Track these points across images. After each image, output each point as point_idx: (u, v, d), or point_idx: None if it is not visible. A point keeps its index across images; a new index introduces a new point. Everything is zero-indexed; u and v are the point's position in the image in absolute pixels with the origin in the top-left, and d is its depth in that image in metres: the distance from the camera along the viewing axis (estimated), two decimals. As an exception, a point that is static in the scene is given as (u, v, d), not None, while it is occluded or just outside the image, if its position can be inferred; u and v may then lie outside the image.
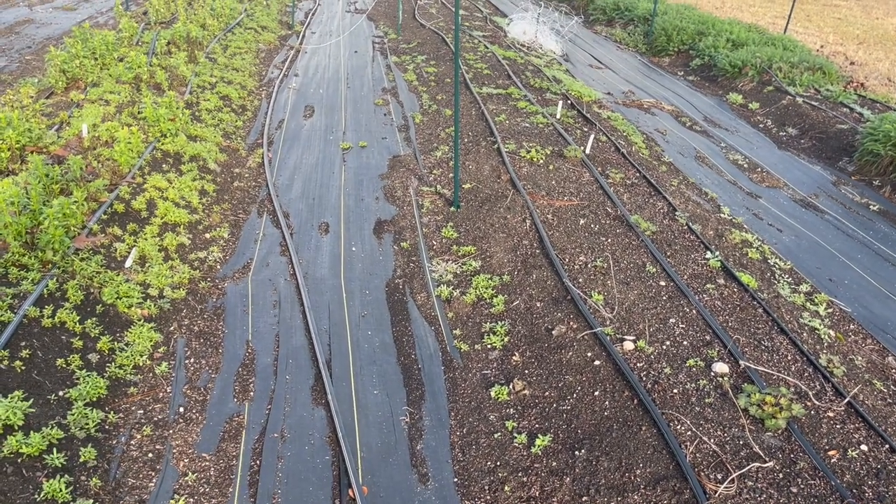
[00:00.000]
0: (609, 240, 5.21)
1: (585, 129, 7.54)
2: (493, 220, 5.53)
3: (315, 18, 12.40)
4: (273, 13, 11.89)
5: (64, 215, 4.20)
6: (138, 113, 6.33)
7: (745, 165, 7.41)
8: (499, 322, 4.35)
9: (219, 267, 4.82)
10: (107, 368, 3.59)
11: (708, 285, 4.71)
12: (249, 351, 4.04)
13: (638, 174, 6.47)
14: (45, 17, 10.35)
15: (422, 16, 12.84)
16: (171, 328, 4.07)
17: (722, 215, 5.99)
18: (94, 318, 3.81)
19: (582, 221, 5.46)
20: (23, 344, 3.44)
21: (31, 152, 5.31)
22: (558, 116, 7.77)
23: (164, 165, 5.68)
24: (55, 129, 5.94)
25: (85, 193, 4.58)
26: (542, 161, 6.49)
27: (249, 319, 4.30)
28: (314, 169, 6.49)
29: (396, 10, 12.43)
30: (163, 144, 5.88)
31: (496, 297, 4.58)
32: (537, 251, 5.05)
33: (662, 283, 4.68)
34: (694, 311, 4.36)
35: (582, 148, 6.82)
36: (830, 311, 4.67)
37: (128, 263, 4.35)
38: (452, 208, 5.80)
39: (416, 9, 13.30)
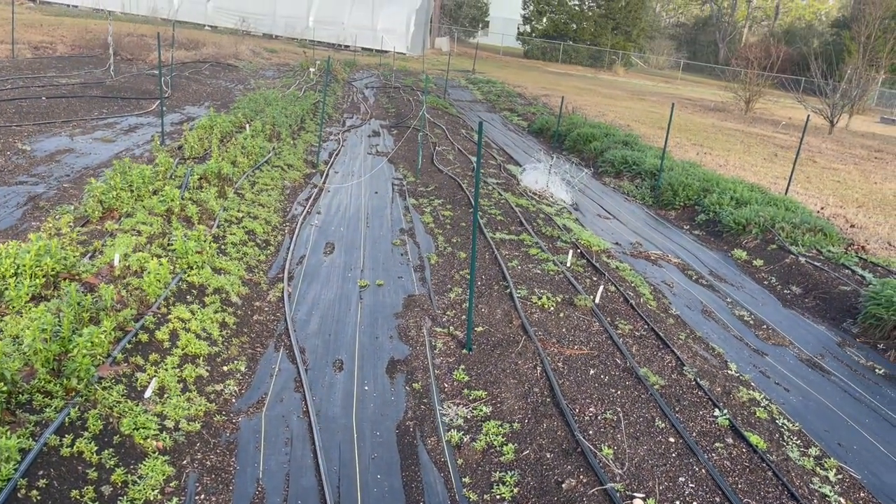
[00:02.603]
0: (619, 392, 5.28)
1: (595, 279, 7.79)
2: (504, 365, 5.64)
3: (338, 159, 13.07)
4: (299, 152, 12.56)
5: (92, 344, 4.34)
6: (168, 244, 6.62)
7: (751, 322, 7.57)
8: (508, 472, 4.36)
9: (234, 401, 4.89)
10: (118, 503, 3.60)
11: (717, 444, 4.74)
12: (259, 490, 4.04)
13: (646, 326, 6.62)
14: (85, 147, 10.96)
15: (440, 161, 13.52)
16: (184, 462, 4.10)
17: (729, 372, 6.08)
18: (110, 449, 3.86)
19: (592, 372, 5.56)
20: (41, 473, 3.49)
21: (65, 279, 5.54)
22: (569, 265, 8.05)
23: (188, 297, 5.89)
24: (88, 256, 6.21)
25: (114, 323, 4.75)
26: (552, 308, 6.67)
27: (261, 457, 4.33)
28: (331, 305, 6.69)
29: (416, 155, 13.11)
30: (189, 276, 6.12)
31: (506, 445, 4.61)
32: (548, 400, 5.12)
33: (672, 440, 4.71)
34: (703, 471, 4.37)
35: (592, 297, 7.03)
36: (840, 477, 4.66)
37: (147, 394, 4.45)
38: (465, 350, 5.92)
39: (434, 154, 14.02)
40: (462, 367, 5.66)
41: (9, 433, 3.61)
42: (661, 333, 6.44)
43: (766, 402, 5.59)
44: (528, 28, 57.51)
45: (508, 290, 7.05)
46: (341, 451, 4.49)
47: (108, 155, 10.72)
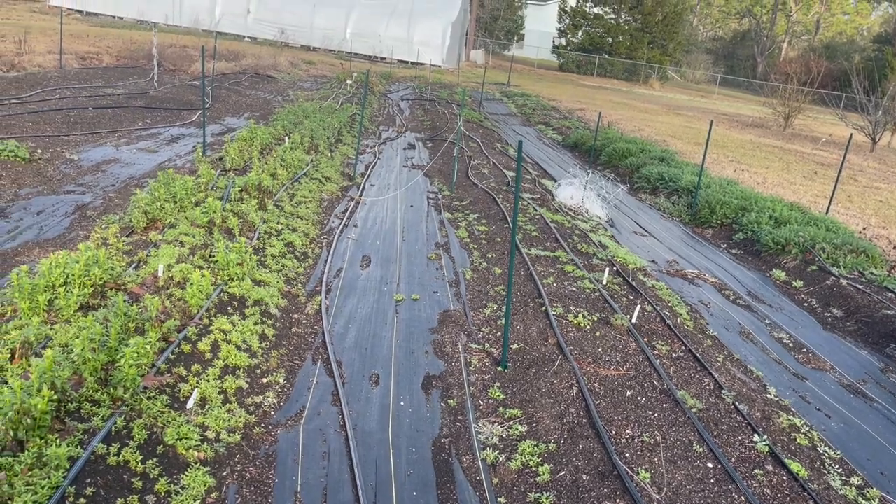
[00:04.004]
0: (655, 414, 5.24)
1: (631, 297, 7.74)
2: (540, 384, 5.63)
3: (374, 171, 13.18)
4: (336, 164, 12.70)
5: (138, 354, 4.45)
6: (210, 256, 6.75)
7: (791, 345, 7.45)
8: (544, 493, 4.35)
9: (273, 413, 4.96)
10: (162, 511, 3.68)
11: (756, 471, 4.67)
12: (298, 503, 4.09)
13: (683, 347, 6.56)
14: (129, 158, 11.22)
15: (475, 175, 13.56)
16: (225, 473, 4.17)
17: (768, 396, 5.99)
18: (154, 459, 3.95)
19: (629, 393, 5.53)
20: (88, 481, 3.58)
21: (111, 289, 5.69)
22: (604, 283, 8.01)
23: (229, 308, 5.99)
24: (133, 266, 6.35)
25: (158, 334, 4.86)
26: (588, 327, 6.65)
27: (299, 470, 4.38)
28: (368, 319, 6.75)
29: (451, 168, 13.17)
30: (230, 288, 6.23)
31: (542, 465, 4.60)
32: (584, 420, 5.10)
33: (710, 465, 4.66)
34: (743, 499, 4.31)
35: (628, 316, 6.99)
36: (884, 508, 4.56)
37: (189, 405, 4.54)
38: (500, 368, 5.93)
39: (469, 168, 14.07)
40: (497, 384, 5.67)
41: (58, 441, 3.71)
42: (698, 355, 6.37)
43: (807, 429, 5.50)
44: (563, 41, 57.47)
45: (544, 308, 7.05)
46: (378, 467, 4.53)
47: (152, 165, 10.96)
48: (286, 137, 12.88)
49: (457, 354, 6.18)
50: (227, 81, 21.70)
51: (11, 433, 3.61)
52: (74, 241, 7.29)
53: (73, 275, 5.40)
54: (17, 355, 4.42)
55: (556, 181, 13.97)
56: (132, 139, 12.57)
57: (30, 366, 4.33)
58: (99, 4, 39.14)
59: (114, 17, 38.85)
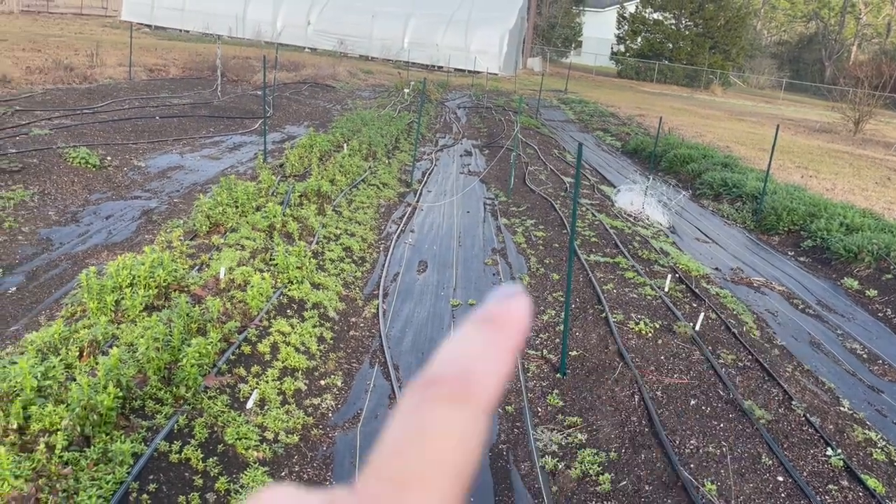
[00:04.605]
0: (721, 424, 5.05)
1: (694, 305, 7.52)
2: (600, 391, 5.50)
3: (431, 178, 13.21)
4: (394, 171, 12.77)
5: (200, 355, 4.51)
6: (270, 259, 6.84)
7: (865, 356, 7.11)
8: (605, 502, 4.23)
9: (330, 415, 4.97)
10: (222, 509, 3.71)
11: (830, 486, 4.45)
12: (354, 506, 4.07)
13: (750, 356, 6.33)
14: (193, 164, 11.52)
15: (532, 181, 13.45)
16: (283, 473, 4.19)
17: (842, 409, 5.72)
18: (215, 457, 3.99)
19: (693, 402, 5.35)
20: (151, 477, 3.64)
21: (175, 290, 5.81)
22: (666, 289, 7.81)
23: (288, 311, 6.05)
24: (196, 269, 6.48)
25: (219, 335, 4.93)
26: (650, 335, 6.48)
27: (356, 474, 4.37)
28: (425, 323, 6.72)
29: (508, 175, 13.09)
30: (289, 291, 6.29)
31: (602, 474, 4.48)
32: (646, 429, 4.96)
33: (780, 479, 4.46)
34: (817, 515, 4.11)
35: (691, 324, 6.78)
36: (972, 530, 4.28)
37: (249, 405, 4.58)
38: (558, 375, 5.82)
39: (526, 174, 13.97)
40: (556, 391, 5.56)
41: (123, 437, 3.78)
42: (765, 365, 6.13)
43: (884, 443, 5.22)
44: (621, 48, 56.77)
45: (604, 315, 6.90)
46: (434, 472, 4.47)
47: (215, 172, 11.22)
48: (345, 145, 13.02)
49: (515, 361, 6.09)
50: (288, 91, 22.13)
51: (79, 429, 3.69)
52: (140, 245, 7.49)
53: (138, 276, 5.53)
54: (85, 353, 4.54)
55: (615, 187, 13.75)
56: (196, 147, 12.91)
57: (97, 364, 4.44)
58: (167, 19, 40.51)
59: (180, 30, 40.12)
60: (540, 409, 5.33)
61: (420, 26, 39.96)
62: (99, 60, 20.73)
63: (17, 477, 3.22)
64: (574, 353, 6.17)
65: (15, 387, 3.82)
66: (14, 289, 6.05)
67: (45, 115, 13.05)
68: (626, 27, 55.88)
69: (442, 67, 39.34)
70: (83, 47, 23.75)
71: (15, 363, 4.30)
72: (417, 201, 11.28)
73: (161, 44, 31.36)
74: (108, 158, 10.66)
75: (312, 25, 40.12)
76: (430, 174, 13.48)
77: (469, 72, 38.52)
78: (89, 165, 9.90)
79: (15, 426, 3.64)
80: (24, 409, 3.72)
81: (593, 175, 15.44)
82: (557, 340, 6.38)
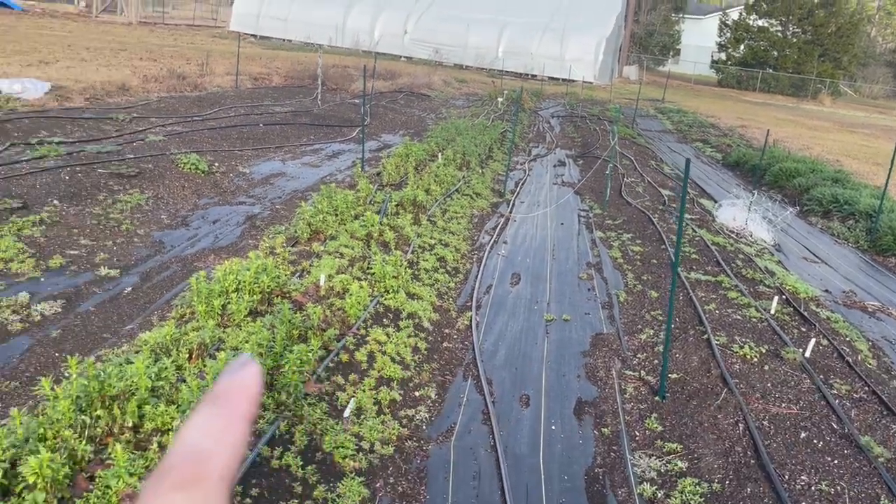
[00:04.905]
0: (835, 461, 4.75)
1: (803, 329, 7.13)
2: (701, 417, 5.28)
3: (524, 188, 13.12)
4: (487, 181, 12.76)
5: (301, 362, 4.61)
6: (367, 268, 6.94)
7: None
8: (708, 537, 4.05)
9: (424, 427, 4.98)
10: (319, 517, 3.76)
11: (961, 537, 4.10)
12: (448, 522, 4.06)
13: (866, 388, 5.93)
14: (294, 172, 11.87)
15: (628, 193, 13.15)
16: (378, 484, 4.22)
17: (972, 451, 5.27)
18: (313, 465, 4.06)
19: (803, 434, 5.06)
20: (253, 482, 3.73)
21: (277, 296, 5.97)
22: (773, 312, 7.44)
23: (384, 320, 6.12)
24: (297, 275, 6.66)
25: (320, 342, 5.03)
26: (755, 359, 6.18)
27: (450, 488, 4.35)
28: (518, 338, 6.65)
29: (603, 187, 12.85)
30: (385, 300, 6.36)
31: (705, 506, 4.29)
32: (752, 461, 4.71)
33: (903, 525, 4.14)
34: (945, 568, 3.79)
35: (800, 350, 6.43)
36: None
37: (346, 413, 4.64)
38: (657, 398, 5.63)
39: (622, 186, 13.67)
40: (654, 415, 5.38)
41: (228, 440, 3.89)
42: (884, 398, 5.74)
43: None
44: (723, 56, 54.89)
45: (705, 336, 6.64)
46: (528, 492, 4.41)
47: (314, 179, 11.52)
48: (439, 154, 13.12)
49: (610, 380, 5.94)
50: (385, 100, 22.53)
51: (188, 429, 3.83)
52: (244, 249, 7.76)
53: (244, 282, 5.72)
54: (194, 356, 4.72)
55: (716, 201, 13.26)
56: (297, 154, 13.30)
57: (205, 366, 4.61)
58: (271, 29, 42.08)
59: (283, 40, 41.58)
60: (637, 433, 5.17)
61: (515, 35, 39.91)
62: (208, 69, 21.72)
63: (131, 475, 3.37)
64: (674, 375, 5.95)
65: (131, 386, 4.01)
66: (130, 289, 6.37)
67: (159, 121, 13.77)
68: (728, 34, 54.00)
69: (536, 76, 39.14)
70: (194, 57, 24.97)
71: (131, 362, 4.52)
72: (510, 212, 11.22)
73: (265, 53, 32.58)
74: (216, 164, 11.13)
75: (409, 34, 40.75)
76: (523, 184, 13.40)
77: (563, 80, 38.15)
78: (198, 171, 10.36)
79: (130, 424, 3.81)
80: (139, 407, 3.89)
81: (693, 188, 14.95)
82: (656, 361, 6.18)
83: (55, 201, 8.14)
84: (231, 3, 42.62)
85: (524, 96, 26.29)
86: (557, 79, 38.72)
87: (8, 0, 37.14)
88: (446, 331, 6.58)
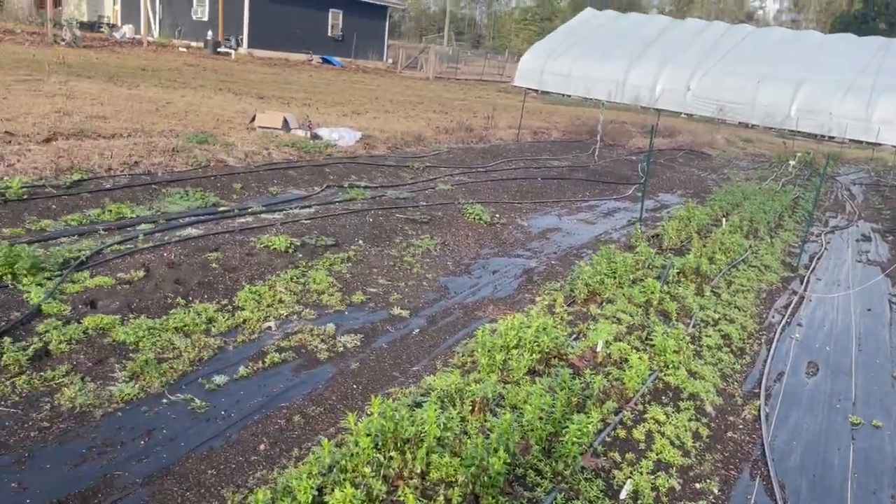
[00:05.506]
0: None
1: None
2: None
3: (821, 263, 11.82)
4: (777, 252, 11.72)
5: (581, 432, 4.49)
6: (646, 338, 6.66)
7: None
8: None
9: (705, 526, 4.56)
10: None
11: None
12: None
13: None
14: (570, 227, 11.93)
15: (955, 281, 11.22)
16: (653, 582, 3.91)
17: None
18: (588, 546, 3.89)
19: None
20: (529, 552, 3.66)
21: (554, 357, 5.95)
22: None
23: (663, 398, 5.78)
24: (573, 338, 6.59)
25: (599, 414, 4.87)
26: None
27: None
28: (815, 439, 5.88)
29: (923, 271, 11.11)
30: (665, 375, 6.03)
31: None
32: None
33: None
34: None
35: None
36: None
37: (622, 495, 4.41)
38: None
39: (947, 272, 11.70)
40: None
41: (507, 504, 3.89)
42: None
43: None
44: None
45: None
46: None
47: (589, 236, 11.47)
48: (723, 219, 12.36)
49: (937, 510, 4.97)
50: (662, 157, 21.99)
51: (470, 486, 3.89)
52: (521, 303, 7.89)
53: (524, 339, 5.78)
54: (476, 409, 4.83)
55: None
56: (572, 210, 13.39)
57: (486, 420, 4.70)
58: (553, 84, 43.34)
59: (563, 95, 42.68)
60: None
61: (811, 93, 36.65)
62: (493, 122, 22.95)
63: (419, 523, 3.48)
64: None
65: (420, 432, 4.19)
66: (417, 331, 6.78)
67: (447, 171, 14.77)
68: None
69: (833, 138, 35.45)
70: (481, 110, 26.59)
71: (419, 406, 4.76)
72: (805, 289, 10.13)
73: (545, 107, 33.70)
74: (497, 216, 11.58)
75: (692, 91, 39.49)
76: (818, 259, 12.08)
77: (868, 144, 34.13)
78: (481, 221, 10.86)
79: (418, 470, 3.97)
80: (426, 454, 4.05)
81: None
82: None
83: (360, 241, 9.02)
84: (517, 59, 44.85)
85: (820, 160, 23.99)
86: (861, 142, 34.70)
87: (331, 57, 42.93)
88: (731, 419, 6.03)
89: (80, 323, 5.74)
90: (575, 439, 4.41)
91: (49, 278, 6.32)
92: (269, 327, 6.34)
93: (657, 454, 4.99)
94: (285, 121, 15.21)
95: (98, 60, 25.43)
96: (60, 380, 5.03)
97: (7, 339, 5.29)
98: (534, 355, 5.72)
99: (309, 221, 9.32)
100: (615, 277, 8.04)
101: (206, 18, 41.26)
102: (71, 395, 4.84)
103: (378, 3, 49.53)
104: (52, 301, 5.95)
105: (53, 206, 8.65)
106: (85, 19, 40.63)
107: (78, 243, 7.48)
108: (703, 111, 38.41)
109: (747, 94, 38.18)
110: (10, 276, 6.14)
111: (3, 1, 34.41)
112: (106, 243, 7.48)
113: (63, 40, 28.99)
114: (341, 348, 6.16)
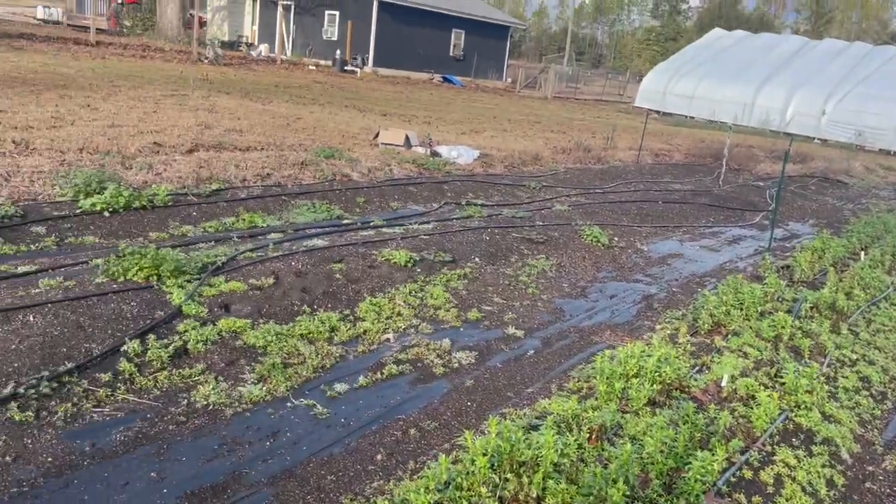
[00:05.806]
0: None
1: None
2: None
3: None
4: (923, 291, 10.79)
5: (705, 470, 4.30)
6: (775, 375, 6.31)
7: None
8: None
9: (840, 583, 4.24)
10: None
11: None
12: None
13: None
14: (692, 254, 11.51)
15: None
16: None
17: None
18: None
19: None
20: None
21: (675, 389, 5.73)
22: None
23: (793, 439, 5.45)
24: (696, 370, 6.33)
25: (725, 452, 4.65)
26: None
27: None
28: (968, 499, 5.35)
29: None
30: (796, 416, 5.68)
31: None
32: None
33: None
34: None
35: None
36: None
37: (748, 541, 4.17)
38: None
39: None
40: None
41: (625, 538, 3.77)
42: None
43: None
44: None
45: None
46: None
47: (713, 264, 11.02)
48: (862, 252, 11.55)
49: None
50: (793, 184, 20.88)
51: (587, 515, 3.80)
52: (640, 330, 7.68)
53: (645, 369, 5.61)
54: (593, 437, 4.73)
55: None
56: (695, 235, 12.92)
57: (603, 449, 4.59)
58: (675, 106, 42.08)
59: (686, 116, 41.39)
60: None
61: (966, 119, 33.80)
62: (612, 143, 22.57)
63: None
64: None
65: (536, 456, 4.14)
66: (532, 352, 6.73)
67: (564, 191, 14.64)
68: None
69: None
70: (600, 130, 26.23)
71: (535, 429, 4.71)
72: (956, 334, 9.27)
73: (667, 129, 32.79)
74: (615, 239, 11.35)
75: (827, 116, 37.30)
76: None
77: None
78: (599, 244, 10.67)
79: (534, 495, 3.93)
80: (542, 479, 4.00)
81: None
82: None
83: (476, 259, 9.08)
84: (639, 80, 43.98)
85: (975, 192, 22.07)
86: None
87: (451, 76, 43.71)
88: (869, 468, 5.59)
89: (216, 325, 6.08)
90: (699, 476, 4.22)
91: (189, 281, 6.74)
92: (388, 339, 6.49)
93: (787, 500, 4.69)
94: (407, 138, 15.60)
95: (236, 77, 27.06)
96: (196, 378, 5.35)
97: (151, 336, 5.68)
98: (655, 385, 5.54)
99: (427, 237, 9.47)
100: (742, 309, 7.68)
101: (335, 38, 43.10)
102: (205, 392, 5.13)
103: (500, 23, 50.05)
104: (191, 303, 6.35)
105: (194, 213, 9.25)
106: (226, 39, 43.44)
107: (214, 249, 7.95)
108: (840, 136, 36.14)
109: (890, 120, 35.66)
110: (155, 277, 6.60)
111: (155, 22, 37.31)
112: (239, 250, 7.90)
113: (206, 58, 31.10)
114: (456, 364, 6.20)
